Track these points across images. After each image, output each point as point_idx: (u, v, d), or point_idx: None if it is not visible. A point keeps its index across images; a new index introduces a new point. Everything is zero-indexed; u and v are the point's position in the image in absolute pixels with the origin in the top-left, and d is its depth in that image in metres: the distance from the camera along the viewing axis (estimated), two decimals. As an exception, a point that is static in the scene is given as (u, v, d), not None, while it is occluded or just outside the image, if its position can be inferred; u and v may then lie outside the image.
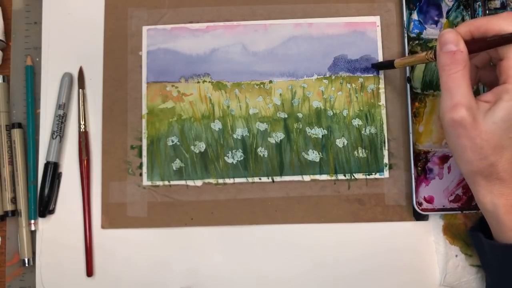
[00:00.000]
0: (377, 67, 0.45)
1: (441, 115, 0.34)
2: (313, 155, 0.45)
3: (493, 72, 0.36)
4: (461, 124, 0.33)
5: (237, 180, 0.45)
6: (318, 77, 0.46)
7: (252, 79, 0.46)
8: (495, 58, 0.36)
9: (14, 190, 0.44)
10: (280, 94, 0.45)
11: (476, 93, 0.43)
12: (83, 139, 0.45)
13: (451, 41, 0.34)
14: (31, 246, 0.44)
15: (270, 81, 0.46)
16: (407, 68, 0.44)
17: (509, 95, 0.32)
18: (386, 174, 0.44)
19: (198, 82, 0.46)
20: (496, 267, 0.37)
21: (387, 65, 0.44)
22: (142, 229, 0.44)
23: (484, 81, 0.40)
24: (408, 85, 0.44)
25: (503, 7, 0.45)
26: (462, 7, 0.45)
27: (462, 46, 0.33)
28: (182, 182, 0.45)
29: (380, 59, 0.45)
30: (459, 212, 0.43)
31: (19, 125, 0.45)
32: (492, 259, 0.37)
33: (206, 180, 0.45)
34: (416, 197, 0.43)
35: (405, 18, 0.45)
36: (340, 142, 0.45)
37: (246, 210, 0.44)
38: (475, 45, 0.34)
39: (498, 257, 0.36)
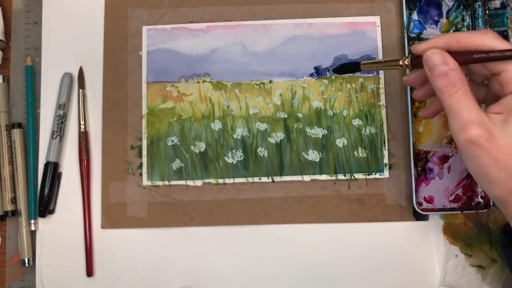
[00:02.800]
0: (340, 71, 0.42)
1: (454, 139, 0.32)
2: (313, 155, 0.45)
3: (481, 88, 0.35)
4: (476, 142, 0.30)
5: (237, 180, 0.45)
6: (318, 77, 0.46)
7: (252, 79, 0.46)
8: (478, 73, 0.34)
9: (14, 190, 0.44)
10: (280, 94, 0.45)
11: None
12: (83, 139, 0.45)
13: (439, 62, 0.32)
14: (31, 246, 0.44)
15: (270, 81, 0.46)
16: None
17: None
18: (386, 174, 0.44)
19: (198, 82, 0.46)
20: None
21: (352, 67, 0.41)
22: (142, 229, 0.44)
23: (481, 101, 0.37)
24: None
25: (503, 7, 0.45)
26: (462, 7, 0.45)
27: (453, 63, 0.32)
28: (182, 182, 0.45)
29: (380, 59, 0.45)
30: (459, 212, 0.43)
31: (19, 125, 0.45)
32: None
33: (206, 180, 0.45)
34: (416, 197, 0.43)
35: (405, 18, 0.45)
36: (340, 142, 0.45)
37: (246, 210, 0.44)
38: (459, 58, 0.32)
39: None
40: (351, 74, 0.44)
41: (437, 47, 0.33)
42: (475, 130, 0.30)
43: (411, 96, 0.44)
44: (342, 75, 0.45)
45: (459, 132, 0.31)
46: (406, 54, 0.44)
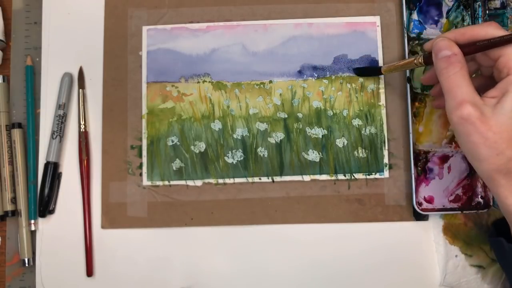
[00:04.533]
0: (360, 73, 0.45)
1: (448, 117, 0.34)
2: (313, 155, 0.45)
3: (485, 81, 0.37)
4: (468, 120, 0.32)
5: (237, 180, 0.45)
6: (318, 77, 0.46)
7: (252, 79, 0.46)
8: (485, 65, 0.36)
9: (14, 190, 0.44)
10: (280, 94, 0.45)
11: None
12: (83, 139, 0.45)
13: (445, 48, 0.35)
14: (31, 246, 0.44)
15: (270, 81, 0.46)
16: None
17: None
18: (386, 174, 0.44)
19: (198, 82, 0.46)
20: None
21: (372, 71, 0.44)
22: (142, 229, 0.44)
23: (482, 89, 0.40)
24: (408, 85, 0.44)
25: (503, 7, 0.45)
26: (462, 7, 0.45)
27: (456, 50, 0.34)
28: (182, 182, 0.45)
29: (380, 59, 0.45)
30: (459, 212, 0.43)
31: (19, 125, 0.45)
32: None
33: (206, 180, 0.45)
34: (416, 197, 0.43)
35: (405, 18, 0.45)
36: (340, 142, 0.45)
37: (246, 210, 0.44)
38: (465, 49, 0.35)
39: None
40: (370, 77, 0.45)
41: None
42: (467, 108, 0.32)
43: (411, 96, 0.44)
44: (360, 76, 0.45)
45: (453, 110, 0.33)
46: (406, 55, 0.44)
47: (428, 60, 0.37)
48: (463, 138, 0.34)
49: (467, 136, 0.33)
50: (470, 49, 0.35)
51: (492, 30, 0.34)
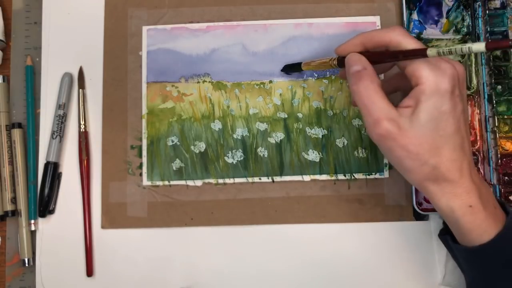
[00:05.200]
0: (287, 70, 0.45)
1: (368, 134, 0.34)
2: (313, 155, 0.45)
3: (402, 78, 0.37)
4: (388, 137, 0.33)
5: (237, 180, 0.45)
6: (318, 77, 0.46)
7: (252, 79, 0.46)
8: (400, 65, 0.36)
9: (14, 190, 0.44)
10: (280, 94, 0.45)
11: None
12: (83, 139, 0.45)
13: (354, 63, 0.35)
14: (31, 246, 0.44)
15: (270, 81, 0.46)
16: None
17: (425, 95, 0.32)
18: (386, 174, 0.44)
19: (198, 82, 0.46)
20: (467, 267, 0.37)
21: (296, 67, 0.44)
22: (142, 229, 0.44)
23: (401, 89, 0.40)
24: (408, 85, 0.44)
25: (503, 7, 0.45)
26: (462, 7, 0.45)
27: (366, 64, 0.34)
28: (182, 182, 0.45)
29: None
30: (459, 212, 0.43)
31: (19, 125, 0.45)
32: (461, 261, 0.37)
33: (206, 180, 0.45)
34: (416, 197, 0.43)
35: (405, 18, 0.45)
36: (340, 142, 0.45)
37: (246, 210, 0.44)
38: (373, 58, 0.35)
39: (466, 259, 0.36)
40: (297, 73, 0.45)
41: (354, 44, 0.36)
42: (385, 125, 0.32)
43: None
44: (290, 73, 0.46)
45: (371, 128, 0.33)
46: None
47: (341, 63, 0.37)
48: (386, 153, 0.34)
49: (391, 152, 0.33)
50: (377, 58, 0.35)
51: (396, 36, 0.34)
